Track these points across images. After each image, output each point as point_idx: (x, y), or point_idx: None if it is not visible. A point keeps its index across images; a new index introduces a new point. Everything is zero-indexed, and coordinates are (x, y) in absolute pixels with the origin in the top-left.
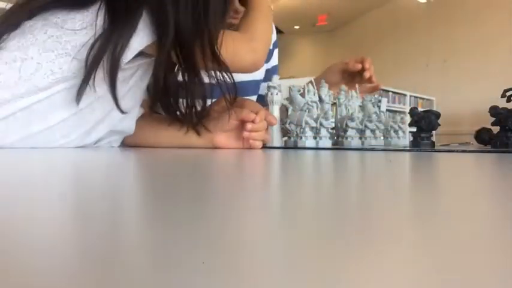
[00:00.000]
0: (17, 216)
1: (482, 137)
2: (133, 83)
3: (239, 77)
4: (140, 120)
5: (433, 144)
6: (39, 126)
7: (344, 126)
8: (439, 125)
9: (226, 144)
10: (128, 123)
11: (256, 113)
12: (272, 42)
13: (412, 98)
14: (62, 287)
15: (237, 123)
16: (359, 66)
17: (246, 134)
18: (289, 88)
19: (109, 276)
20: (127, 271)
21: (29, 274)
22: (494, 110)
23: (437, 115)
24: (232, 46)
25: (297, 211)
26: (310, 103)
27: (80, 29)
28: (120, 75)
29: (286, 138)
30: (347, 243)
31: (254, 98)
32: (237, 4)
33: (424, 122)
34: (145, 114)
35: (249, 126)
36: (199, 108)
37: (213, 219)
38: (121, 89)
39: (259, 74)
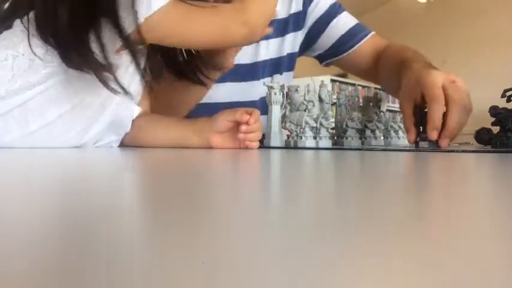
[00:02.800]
0: (12, 217)
1: (482, 137)
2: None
3: (261, 56)
4: (138, 120)
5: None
6: (38, 123)
7: (344, 126)
8: None
9: (222, 145)
10: (128, 111)
11: (251, 114)
12: None
13: None
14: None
15: (232, 124)
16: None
17: (241, 135)
18: (287, 88)
19: (108, 276)
20: (127, 271)
21: (26, 274)
22: (494, 110)
23: None
24: (220, 19)
25: (298, 211)
26: (305, 102)
27: None
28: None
29: (286, 138)
30: (346, 244)
31: (291, 73)
32: None
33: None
34: (144, 114)
35: (243, 128)
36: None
37: (214, 219)
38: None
39: (288, 48)
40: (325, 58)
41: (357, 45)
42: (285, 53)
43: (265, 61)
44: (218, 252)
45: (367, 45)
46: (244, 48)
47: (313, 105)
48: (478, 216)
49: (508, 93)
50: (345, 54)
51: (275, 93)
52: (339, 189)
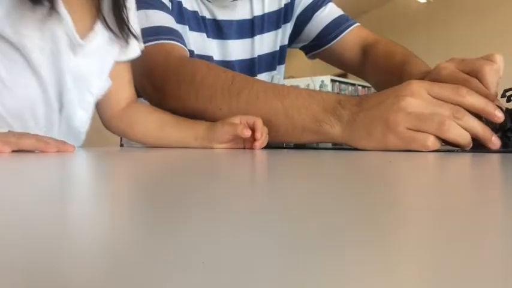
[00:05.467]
0: (11, 219)
1: None
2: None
3: (256, 52)
4: (139, 120)
5: None
6: None
7: None
8: None
9: (224, 146)
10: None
11: (253, 124)
12: None
13: None
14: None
15: (233, 136)
16: None
17: (249, 145)
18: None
19: (108, 275)
20: (126, 271)
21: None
22: None
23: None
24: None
25: (298, 212)
26: None
27: None
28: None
29: None
30: (346, 245)
31: (283, 67)
32: None
33: None
34: (145, 115)
35: (256, 144)
36: None
37: (214, 219)
38: None
39: (280, 40)
40: (310, 50)
41: (341, 36)
42: (278, 47)
43: (260, 56)
44: (218, 253)
45: (351, 36)
46: (240, 44)
47: None
48: (478, 216)
49: (508, 93)
50: (329, 45)
51: None
52: (340, 189)
